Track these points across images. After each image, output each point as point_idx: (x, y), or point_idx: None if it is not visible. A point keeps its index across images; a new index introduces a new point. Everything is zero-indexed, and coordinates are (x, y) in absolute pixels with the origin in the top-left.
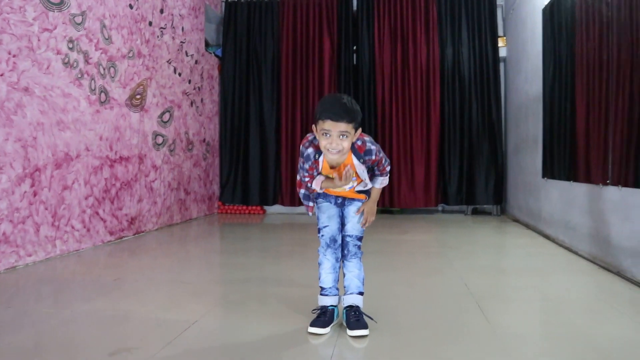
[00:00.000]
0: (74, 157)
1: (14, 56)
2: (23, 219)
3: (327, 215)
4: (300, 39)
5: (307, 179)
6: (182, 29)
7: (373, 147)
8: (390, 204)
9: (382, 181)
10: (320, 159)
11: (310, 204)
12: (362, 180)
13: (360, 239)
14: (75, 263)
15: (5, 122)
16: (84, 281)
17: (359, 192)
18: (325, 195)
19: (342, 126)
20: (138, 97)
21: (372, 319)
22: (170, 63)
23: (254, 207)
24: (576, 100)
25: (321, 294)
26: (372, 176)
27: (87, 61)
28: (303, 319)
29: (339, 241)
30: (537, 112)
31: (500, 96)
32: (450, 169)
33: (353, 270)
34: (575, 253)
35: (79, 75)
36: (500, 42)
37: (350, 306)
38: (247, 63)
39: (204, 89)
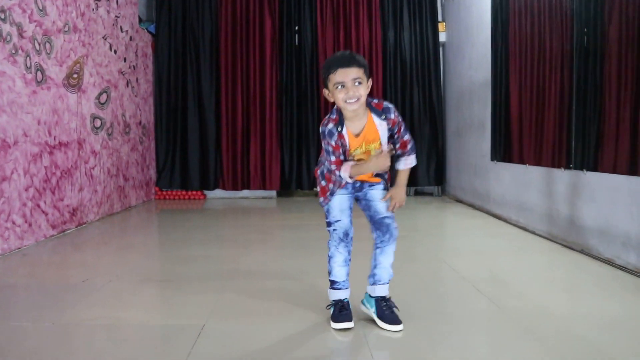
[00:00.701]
0: (12, 144)
1: None
2: None
3: (340, 208)
4: (240, 17)
5: (334, 167)
6: (117, 1)
7: (390, 106)
8: None
9: (406, 162)
10: (344, 131)
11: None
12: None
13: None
14: (23, 263)
15: None
16: (48, 285)
17: (375, 175)
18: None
19: (354, 72)
20: (75, 76)
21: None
22: (106, 39)
23: (193, 192)
24: (529, 85)
25: (333, 288)
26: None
27: (21, 35)
28: (309, 314)
29: (352, 234)
30: (484, 97)
31: (440, 80)
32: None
33: (390, 256)
34: (532, 232)
35: (13, 51)
36: (440, 27)
37: (382, 297)
38: (182, 41)
39: (138, 67)
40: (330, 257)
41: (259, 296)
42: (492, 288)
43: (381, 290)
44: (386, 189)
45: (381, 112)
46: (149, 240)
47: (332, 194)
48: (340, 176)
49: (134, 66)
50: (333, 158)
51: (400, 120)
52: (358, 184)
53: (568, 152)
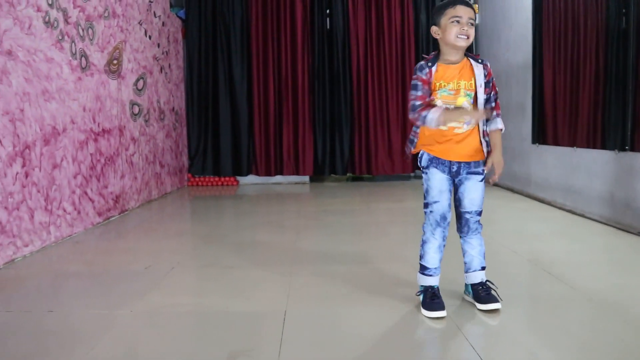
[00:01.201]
0: (61, 131)
1: None
2: (17, 204)
3: (439, 189)
4: (270, 1)
5: (419, 103)
6: None
7: (488, 63)
8: (367, 171)
9: (500, 122)
10: (434, 67)
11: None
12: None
13: (480, 213)
14: (78, 251)
15: None
16: (111, 272)
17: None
18: (438, 163)
19: (471, 12)
20: (115, 62)
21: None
22: (141, 25)
23: (226, 178)
24: (581, 67)
25: (424, 274)
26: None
27: (66, 20)
28: (400, 300)
29: (449, 219)
30: (524, 80)
31: None
32: None
33: (475, 246)
34: (582, 215)
35: (60, 37)
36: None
37: (478, 282)
38: (213, 26)
39: (170, 53)
40: (424, 242)
41: (331, 281)
42: (561, 270)
43: (473, 278)
44: (484, 179)
45: (479, 60)
46: (194, 226)
47: (411, 142)
48: (425, 118)
49: (166, 52)
50: (419, 93)
51: (495, 82)
52: (455, 168)
53: (623, 134)
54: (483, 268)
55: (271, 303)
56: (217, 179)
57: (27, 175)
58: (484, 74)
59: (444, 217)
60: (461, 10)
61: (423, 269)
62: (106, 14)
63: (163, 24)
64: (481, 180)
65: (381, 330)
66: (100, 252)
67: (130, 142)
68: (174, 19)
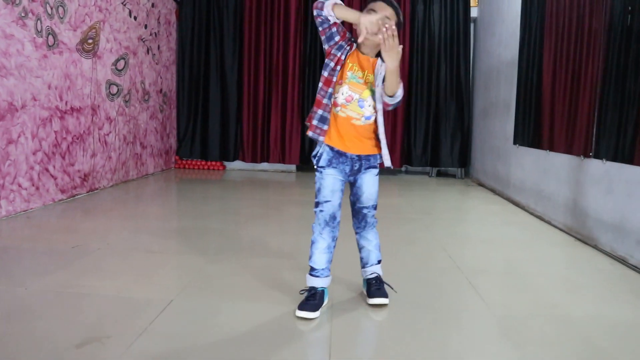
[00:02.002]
0: (19, 107)
1: None
2: None
3: (331, 189)
4: None
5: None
6: None
7: None
8: None
9: (400, 81)
10: (354, 47)
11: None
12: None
13: (375, 207)
14: (25, 226)
15: None
16: (37, 249)
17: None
18: (337, 163)
19: (390, 13)
20: (90, 41)
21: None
22: (125, 5)
23: (213, 163)
24: (557, 67)
25: (311, 274)
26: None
27: None
28: (290, 299)
29: (339, 219)
30: (511, 77)
31: (469, 58)
32: (416, 130)
33: (372, 240)
34: (549, 223)
35: (23, 14)
36: (472, 2)
37: (374, 278)
38: (207, 9)
39: (160, 35)
40: (312, 242)
41: (240, 273)
42: (485, 281)
43: (370, 271)
44: (379, 173)
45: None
46: (156, 209)
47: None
48: (322, 4)
49: (155, 33)
50: (326, 73)
51: None
52: (357, 164)
53: (590, 139)
54: (379, 262)
55: (164, 291)
56: (204, 162)
57: None
58: (384, 75)
59: (333, 217)
60: (379, 7)
61: (311, 270)
62: None
63: (153, 5)
64: (376, 175)
65: (250, 326)
66: (45, 228)
67: (105, 121)
68: (167, 1)
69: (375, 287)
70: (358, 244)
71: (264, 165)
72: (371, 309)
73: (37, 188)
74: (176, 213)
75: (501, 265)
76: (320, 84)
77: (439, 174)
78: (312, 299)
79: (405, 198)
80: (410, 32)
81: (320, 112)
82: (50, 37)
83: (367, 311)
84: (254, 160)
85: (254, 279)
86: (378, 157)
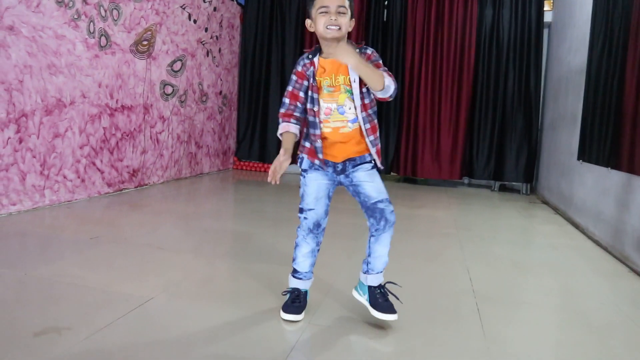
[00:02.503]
0: (68, 103)
1: None
2: (6, 166)
3: (316, 196)
4: None
5: (287, 101)
6: None
7: (370, 48)
8: (412, 173)
9: (379, 72)
10: (315, 58)
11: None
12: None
13: (390, 201)
14: (63, 215)
15: None
16: (61, 237)
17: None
18: (319, 166)
19: (340, 1)
20: (145, 43)
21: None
22: (184, 9)
23: (270, 165)
24: (626, 77)
25: (294, 276)
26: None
27: (85, 1)
28: (274, 301)
29: (324, 225)
30: (579, 86)
31: (540, 66)
32: (479, 141)
33: (385, 246)
34: (605, 249)
35: (75, 17)
36: (547, 6)
37: (377, 285)
38: (270, 14)
39: (222, 38)
40: (296, 245)
41: (233, 277)
42: (496, 310)
43: (374, 280)
44: (375, 167)
45: (359, 49)
46: (197, 207)
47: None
48: (279, 125)
49: (217, 36)
50: (290, 88)
51: (381, 62)
52: (340, 166)
53: None
54: (383, 269)
55: (147, 288)
56: (261, 164)
57: (20, 140)
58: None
59: (317, 224)
60: (327, 1)
61: (294, 272)
62: None
63: (215, 9)
64: (372, 168)
65: (227, 329)
66: (79, 219)
67: (157, 120)
68: (230, 5)
69: (382, 297)
70: (369, 247)
71: None
72: (361, 322)
73: (83, 180)
74: (215, 213)
75: (524, 293)
76: (287, 91)
77: (503, 189)
78: (297, 301)
79: (451, 211)
80: (477, 38)
81: (308, 143)
82: (103, 38)
83: (356, 325)
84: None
85: (245, 283)
86: (366, 156)
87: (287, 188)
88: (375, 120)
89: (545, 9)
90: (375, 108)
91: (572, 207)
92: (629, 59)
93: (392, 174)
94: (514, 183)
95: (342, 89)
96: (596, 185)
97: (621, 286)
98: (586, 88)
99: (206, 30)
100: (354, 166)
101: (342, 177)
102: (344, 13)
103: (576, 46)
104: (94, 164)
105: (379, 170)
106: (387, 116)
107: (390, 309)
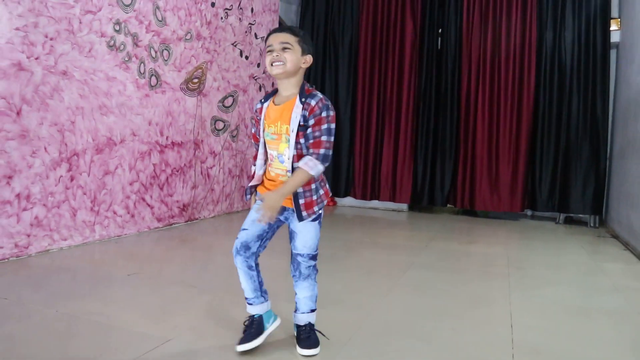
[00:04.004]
0: (118, 142)
1: (51, 39)
2: (58, 203)
3: (252, 218)
4: (381, 21)
5: (254, 143)
6: (252, 10)
7: (319, 95)
8: (470, 205)
9: (308, 163)
10: (266, 104)
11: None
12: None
13: (314, 257)
14: (111, 250)
15: (40, 106)
16: (97, 273)
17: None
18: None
19: (283, 36)
20: (196, 80)
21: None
22: (235, 46)
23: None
24: None
25: (247, 303)
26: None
27: (136, 44)
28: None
29: (253, 249)
30: None
31: (608, 89)
32: (541, 171)
33: (305, 292)
34: None
35: (126, 59)
36: (614, 25)
37: (303, 325)
38: (323, 46)
39: None
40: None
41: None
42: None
43: (301, 319)
44: (318, 220)
45: (307, 96)
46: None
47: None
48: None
49: None
50: (253, 130)
51: (325, 116)
52: (280, 208)
53: None
54: (312, 311)
55: (167, 329)
56: None
57: (72, 178)
58: (302, 115)
59: (245, 246)
60: (272, 39)
61: (246, 298)
62: (187, 37)
63: None
64: (312, 221)
65: None
66: (122, 254)
67: (208, 155)
68: None
69: (305, 334)
70: (294, 289)
71: (374, 203)
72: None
73: (132, 215)
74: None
75: (576, 346)
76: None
77: (569, 221)
78: (249, 329)
79: (506, 247)
80: (537, 62)
81: (257, 163)
82: (153, 78)
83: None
84: (364, 197)
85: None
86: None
87: (342, 220)
88: None
89: (612, 28)
90: None
91: None
92: None
93: (448, 206)
94: (580, 215)
95: (284, 138)
96: None
97: None
98: None
99: (258, 65)
100: (293, 211)
101: (282, 217)
102: (288, 49)
103: None
104: (143, 199)
105: (502, 214)
106: (442, 146)
107: (311, 344)
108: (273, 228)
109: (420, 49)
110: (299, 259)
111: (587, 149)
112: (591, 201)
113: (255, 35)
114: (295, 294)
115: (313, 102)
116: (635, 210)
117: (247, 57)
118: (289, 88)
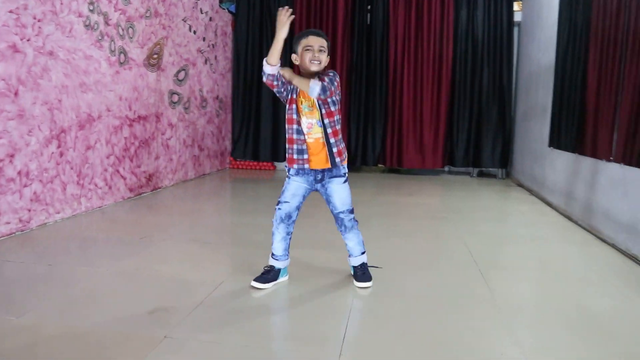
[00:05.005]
0: (96, 117)
1: (39, 21)
2: (51, 178)
3: (293, 192)
4: None
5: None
6: None
7: (332, 73)
8: (398, 164)
9: (315, 80)
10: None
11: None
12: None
13: (352, 211)
14: (100, 220)
15: (32, 86)
16: (112, 239)
17: (330, 151)
18: (303, 174)
19: (321, 41)
20: (155, 56)
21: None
22: (185, 21)
23: (264, 163)
24: (588, 73)
25: (272, 257)
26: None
27: (107, 22)
28: (332, 281)
29: (294, 218)
30: (548, 81)
31: (512, 62)
32: (458, 132)
33: (353, 239)
34: (575, 222)
35: (100, 37)
36: (516, 6)
37: (359, 265)
38: (260, 20)
39: (217, 46)
40: (272, 233)
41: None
42: (498, 275)
43: (355, 261)
44: (347, 181)
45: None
46: (212, 206)
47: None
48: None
49: (213, 45)
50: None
51: (332, 74)
52: (320, 176)
53: (609, 143)
54: (363, 253)
55: (215, 275)
56: (256, 163)
57: (61, 154)
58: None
59: (289, 216)
60: (312, 40)
61: (272, 254)
62: (148, 14)
63: (210, 19)
64: (344, 182)
65: (289, 302)
66: (117, 222)
67: (167, 127)
68: (223, 14)
69: (360, 272)
70: (344, 241)
71: None
72: (386, 293)
73: (110, 187)
74: (228, 210)
75: (518, 261)
76: (286, 126)
77: (481, 175)
78: (266, 274)
79: (441, 198)
80: (454, 37)
81: (295, 147)
82: (122, 55)
83: (380, 294)
84: None
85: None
86: (341, 168)
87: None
88: (338, 127)
89: (515, 9)
90: (336, 117)
91: (545, 189)
92: (590, 58)
93: (379, 165)
94: (490, 169)
95: (316, 108)
96: (566, 169)
97: (591, 251)
98: (555, 83)
99: (204, 39)
100: (330, 177)
101: (319, 186)
102: (323, 51)
103: (544, 45)
104: (118, 171)
105: (424, 171)
106: (373, 114)
107: (366, 278)
108: (305, 198)
109: (352, 24)
110: (342, 215)
111: (496, 113)
112: (499, 157)
113: (201, 10)
114: (346, 244)
115: (330, 73)
116: (537, 163)
117: (194, 32)
118: (312, 77)
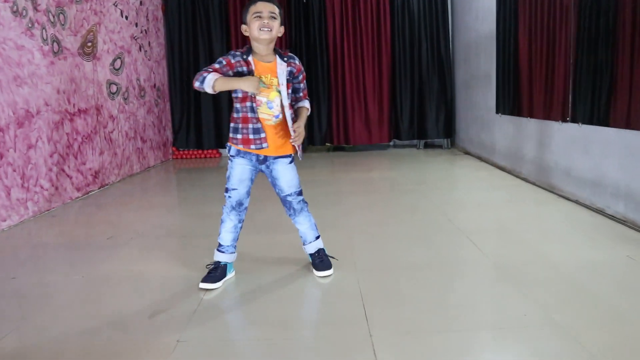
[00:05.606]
0: (35, 113)
1: None
2: None
3: (240, 178)
4: None
5: (210, 70)
6: None
7: (297, 59)
8: (345, 142)
9: (306, 105)
10: (250, 58)
11: (205, 83)
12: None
13: (300, 193)
14: (53, 224)
15: None
16: (78, 243)
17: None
18: (244, 154)
19: (271, 7)
20: (89, 44)
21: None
22: (116, 6)
23: (209, 151)
24: (533, 38)
25: (218, 250)
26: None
27: (36, 8)
28: (293, 268)
29: (246, 204)
30: (490, 50)
31: (448, 33)
32: (402, 105)
33: (304, 223)
34: (533, 184)
35: (30, 25)
36: None
37: (315, 252)
38: (192, 3)
39: (150, 31)
40: (221, 221)
41: (266, 250)
42: (483, 238)
43: (310, 248)
44: (292, 161)
45: (286, 57)
46: (168, 199)
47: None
48: (204, 78)
49: (145, 30)
50: (216, 65)
51: (304, 74)
52: (262, 157)
53: (566, 104)
54: (317, 237)
55: (199, 269)
56: (200, 151)
57: (1, 156)
58: (290, 70)
59: (240, 203)
60: (261, 6)
61: (218, 246)
62: None
63: (141, 3)
64: (290, 163)
65: (283, 289)
66: (72, 224)
67: (108, 119)
68: None
69: (318, 259)
70: (295, 226)
71: None
72: (389, 268)
73: (57, 188)
74: (188, 201)
75: (495, 224)
76: (237, 105)
77: (427, 146)
78: (214, 272)
79: (398, 171)
80: (391, 13)
81: (251, 126)
82: (55, 44)
83: (383, 268)
84: None
85: (279, 253)
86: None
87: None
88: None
89: None
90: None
91: (497, 154)
92: (520, 25)
93: (326, 144)
94: (435, 140)
95: (274, 88)
96: (516, 133)
97: (561, 208)
98: (497, 51)
99: (136, 25)
100: (274, 158)
101: (263, 167)
102: (274, 18)
103: (483, 15)
104: (63, 170)
105: (372, 146)
106: (316, 92)
107: (325, 266)
108: (252, 181)
109: (288, 3)
110: (289, 198)
111: (437, 83)
112: (444, 127)
113: None
114: (298, 230)
115: (297, 62)
116: (485, 130)
117: (126, 17)
118: (267, 50)
